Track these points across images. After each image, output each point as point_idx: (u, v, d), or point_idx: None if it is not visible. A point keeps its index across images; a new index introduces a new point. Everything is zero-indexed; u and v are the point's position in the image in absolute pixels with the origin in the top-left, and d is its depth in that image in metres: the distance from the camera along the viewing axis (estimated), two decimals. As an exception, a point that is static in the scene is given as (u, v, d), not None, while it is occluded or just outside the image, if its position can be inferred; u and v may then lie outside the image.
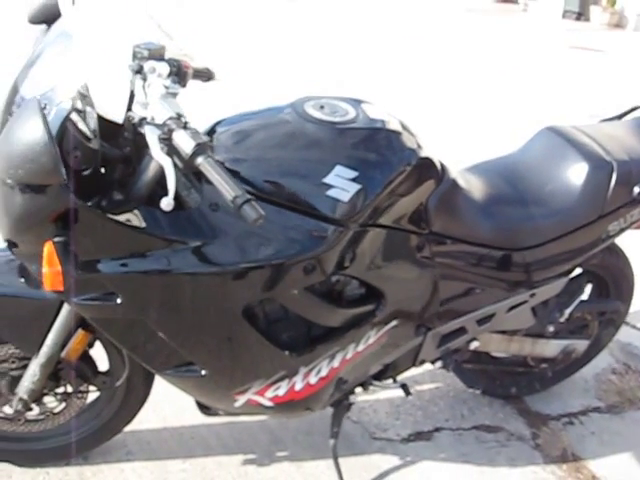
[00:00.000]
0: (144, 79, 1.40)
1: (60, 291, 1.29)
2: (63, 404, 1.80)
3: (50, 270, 1.25)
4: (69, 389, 1.76)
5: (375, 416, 2.20)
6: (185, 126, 1.26)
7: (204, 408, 1.83)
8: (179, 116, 1.28)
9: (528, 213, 1.79)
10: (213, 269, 1.41)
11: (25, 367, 1.70)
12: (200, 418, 2.06)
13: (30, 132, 1.10)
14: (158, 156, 1.24)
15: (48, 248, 1.27)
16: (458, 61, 6.96)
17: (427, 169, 1.62)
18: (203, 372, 1.56)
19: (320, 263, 1.50)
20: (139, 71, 1.41)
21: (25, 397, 1.70)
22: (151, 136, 1.26)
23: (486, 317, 1.90)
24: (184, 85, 1.51)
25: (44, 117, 1.12)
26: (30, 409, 1.74)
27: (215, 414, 1.85)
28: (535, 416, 2.26)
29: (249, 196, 1.23)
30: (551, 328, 2.02)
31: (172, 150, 1.27)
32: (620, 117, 2.09)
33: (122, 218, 1.36)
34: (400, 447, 2.10)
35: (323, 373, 1.70)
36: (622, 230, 1.89)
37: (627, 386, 2.39)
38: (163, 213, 1.36)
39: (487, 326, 1.92)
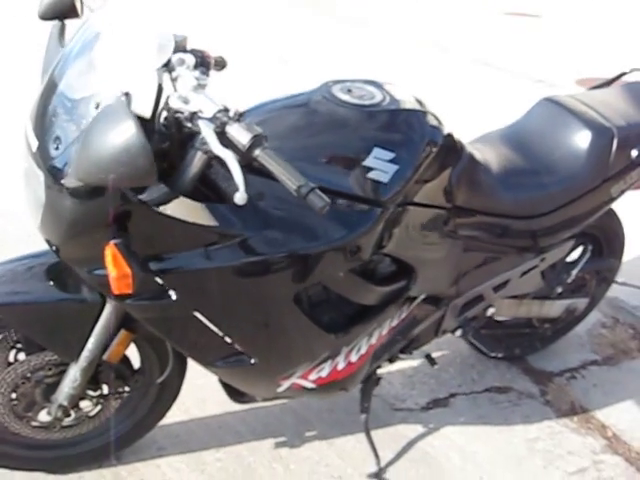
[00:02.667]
0: (171, 72, 1.39)
1: (126, 294, 1.28)
2: (98, 407, 1.78)
3: (118, 273, 1.23)
4: (105, 391, 1.75)
5: (392, 388, 2.26)
6: (238, 118, 1.26)
7: (237, 396, 1.85)
8: (226, 109, 1.28)
9: (540, 182, 1.87)
10: (267, 258, 1.43)
11: (61, 373, 1.67)
12: (223, 407, 2.10)
13: (125, 135, 1.07)
14: (219, 150, 1.23)
15: (111, 251, 1.26)
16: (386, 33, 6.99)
17: (451, 146, 1.67)
18: (253, 360, 1.58)
19: (364, 244, 1.53)
20: (166, 64, 1.40)
21: (65, 403, 1.67)
22: (207, 131, 1.25)
23: (501, 284, 1.98)
24: (208, 75, 1.50)
25: (136, 118, 1.10)
26: (69, 415, 1.72)
27: (250, 401, 1.86)
28: (539, 374, 2.38)
29: (313, 184, 1.25)
30: (559, 289, 2.13)
31: (226, 143, 1.27)
32: (609, 84, 2.19)
33: (171, 214, 1.35)
34: (421, 415, 2.18)
35: (363, 351, 1.75)
36: (622, 192, 2.00)
37: (619, 338, 2.54)
38: (210, 207, 1.36)
39: (502, 292, 2.01)
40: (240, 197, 1.19)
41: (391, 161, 1.53)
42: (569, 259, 2.12)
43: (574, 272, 2.11)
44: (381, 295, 1.68)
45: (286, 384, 1.69)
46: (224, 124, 1.24)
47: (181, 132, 1.34)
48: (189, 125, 1.29)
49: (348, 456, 2.01)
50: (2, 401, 1.67)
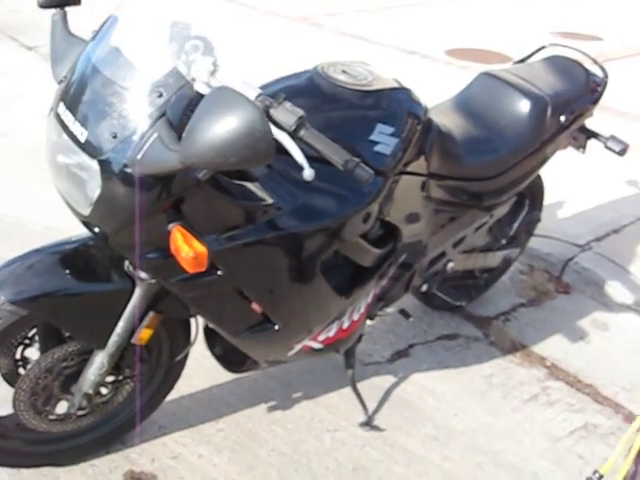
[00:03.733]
0: (186, 58, 1.45)
1: (197, 272, 1.34)
2: (112, 392, 1.80)
3: (195, 252, 1.29)
4: (125, 374, 1.78)
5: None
6: (282, 102, 1.35)
7: (236, 367, 1.94)
8: (261, 93, 1.37)
9: (492, 147, 2.10)
10: (300, 229, 1.54)
11: (82, 363, 1.69)
12: (209, 381, 2.19)
13: (248, 119, 1.11)
14: (275, 133, 1.32)
15: (180, 232, 1.32)
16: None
17: (429, 118, 1.86)
18: (277, 327, 1.69)
19: (373, 211, 1.69)
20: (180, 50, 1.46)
21: (90, 391, 1.69)
22: None
23: (459, 240, 2.22)
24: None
25: (256, 104, 1.15)
26: (92, 403, 1.73)
27: (248, 370, 1.96)
28: (480, 320, 2.66)
29: (357, 159, 1.39)
30: (504, 241, 2.40)
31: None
32: (529, 57, 2.48)
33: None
34: (389, 367, 2.38)
35: (362, 309, 1.91)
36: (554, 153, 2.29)
37: (537, 282, 2.88)
38: (251, 185, 1.46)
39: (460, 248, 2.24)
40: (308, 173, 1.30)
41: (392, 135, 1.69)
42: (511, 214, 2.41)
43: (515, 225, 2.40)
44: (376, 256, 1.84)
45: (298, 347, 1.82)
46: (268, 107, 1.33)
47: None
48: None
49: (337, 410, 2.17)
50: (24, 398, 1.66)
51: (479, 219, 2.21)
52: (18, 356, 1.70)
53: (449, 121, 2.09)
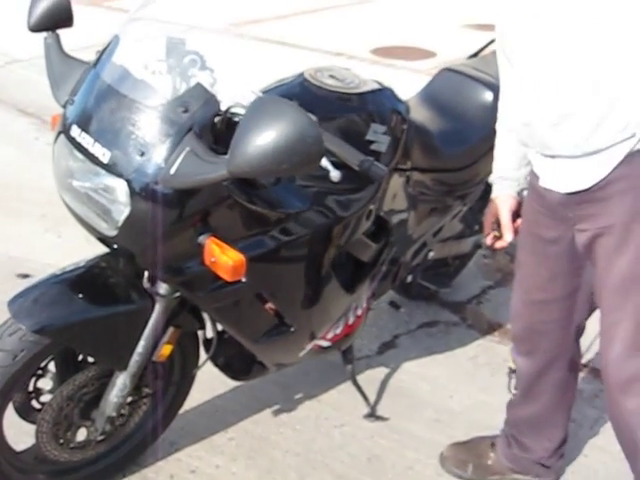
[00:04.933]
0: (183, 72, 1.49)
1: (235, 278, 1.36)
2: (130, 414, 1.79)
3: (235, 261, 1.32)
4: (144, 392, 1.77)
5: (345, 343, 2.51)
6: None
7: (242, 375, 1.97)
8: None
9: (463, 137, 2.20)
10: (316, 229, 1.59)
11: (100, 388, 1.67)
12: (209, 393, 2.20)
13: (301, 126, 1.13)
14: None
15: (215, 243, 1.34)
16: None
17: (409, 114, 1.94)
18: (292, 329, 1.73)
19: (374, 207, 1.76)
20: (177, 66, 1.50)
21: (114, 414, 1.68)
22: None
23: (438, 230, 2.32)
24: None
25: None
26: (115, 426, 1.72)
27: (253, 377, 1.99)
28: (455, 305, 2.77)
29: (370, 158, 1.45)
30: (477, 227, 2.52)
31: None
32: (481, 51, 2.60)
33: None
34: (379, 359, 2.46)
35: (364, 304, 1.97)
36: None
37: (501, 264, 3.02)
38: (268, 192, 1.49)
39: (438, 237, 2.34)
40: (335, 175, 1.35)
41: (384, 133, 1.76)
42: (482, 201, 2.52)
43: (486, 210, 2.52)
44: (374, 251, 1.91)
45: (309, 346, 1.86)
46: None
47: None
48: None
49: (340, 406, 2.22)
50: (46, 429, 1.63)
51: (455, 208, 2.31)
52: (31, 388, 1.67)
53: (420, 116, 2.18)
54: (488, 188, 2.57)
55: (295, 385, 2.29)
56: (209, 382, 2.12)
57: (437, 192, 2.16)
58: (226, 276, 1.35)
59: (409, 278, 2.34)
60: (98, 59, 1.45)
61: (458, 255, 2.67)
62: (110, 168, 1.34)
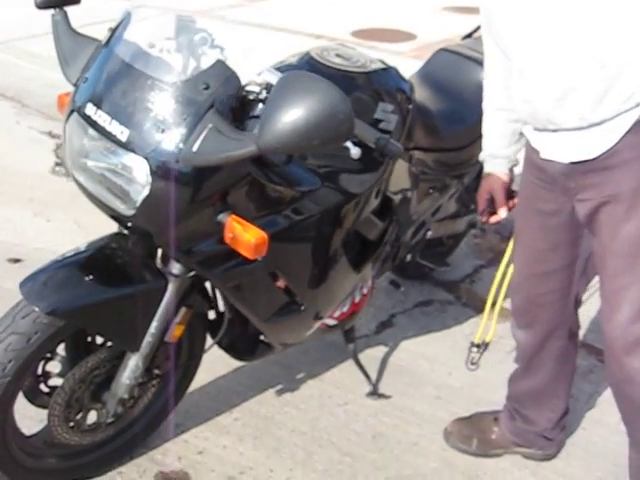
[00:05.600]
0: (193, 49, 1.48)
1: (257, 256, 1.36)
2: (139, 395, 1.78)
3: (256, 239, 1.32)
4: (155, 373, 1.77)
5: (343, 323, 2.52)
6: None
7: (248, 355, 1.97)
8: None
9: (462, 117, 2.22)
10: (328, 206, 1.60)
11: (111, 370, 1.66)
12: (212, 374, 2.19)
13: (333, 102, 1.13)
14: None
15: (236, 221, 1.34)
16: None
17: (413, 93, 1.95)
18: (302, 307, 1.73)
19: (383, 185, 1.77)
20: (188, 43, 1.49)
21: (126, 396, 1.68)
22: None
23: (437, 209, 2.33)
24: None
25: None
26: (127, 407, 1.71)
27: (258, 357, 1.99)
28: (449, 284, 2.80)
29: (386, 136, 1.46)
30: (472, 206, 2.54)
31: None
32: (474, 32, 2.61)
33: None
34: (378, 338, 2.48)
35: (369, 282, 1.99)
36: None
37: (492, 243, 3.05)
38: (284, 170, 1.49)
39: (436, 216, 2.36)
40: (355, 152, 1.36)
41: (392, 112, 1.77)
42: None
43: (481, 190, 2.55)
44: (380, 230, 1.92)
45: (317, 325, 1.87)
46: None
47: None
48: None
49: (342, 385, 2.24)
50: (59, 412, 1.61)
51: (453, 187, 2.33)
52: (39, 371, 1.66)
53: (420, 96, 2.19)
54: (481, 167, 2.61)
55: (296, 365, 2.31)
56: (211, 363, 2.11)
57: (437, 172, 2.17)
58: (248, 254, 1.34)
59: (408, 257, 2.36)
60: (111, 36, 1.43)
61: (453, 234, 2.69)
62: (129, 146, 1.32)
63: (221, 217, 1.36)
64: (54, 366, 1.68)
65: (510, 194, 1.85)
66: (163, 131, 1.29)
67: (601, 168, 1.44)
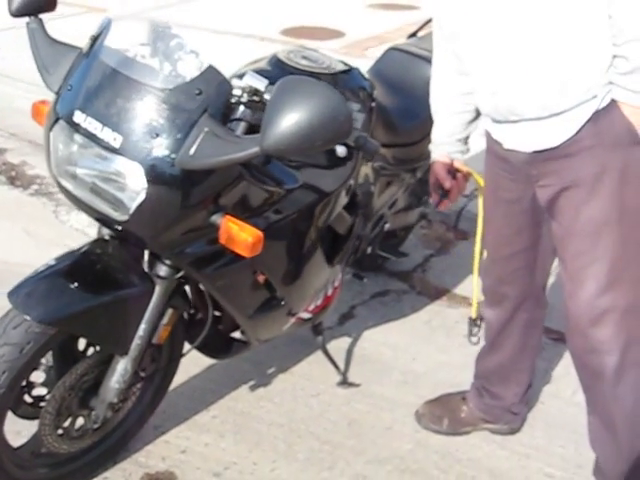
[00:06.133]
0: (169, 55, 1.52)
1: (254, 254, 1.40)
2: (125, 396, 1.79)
3: (253, 237, 1.36)
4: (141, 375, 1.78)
5: (306, 317, 2.59)
6: None
7: (220, 354, 2.01)
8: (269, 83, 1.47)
9: (415, 113, 2.31)
10: (308, 203, 1.66)
11: (98, 376, 1.67)
12: (184, 375, 2.21)
13: (333, 105, 1.18)
14: None
15: (231, 222, 1.38)
16: None
17: (374, 91, 2.03)
18: (282, 302, 1.79)
19: (353, 182, 1.84)
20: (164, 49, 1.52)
21: (114, 400, 1.69)
22: None
23: (393, 202, 2.43)
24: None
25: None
26: (117, 411, 1.72)
27: (233, 355, 2.03)
28: (401, 274, 2.91)
29: (365, 134, 1.53)
30: (424, 198, 2.65)
31: None
32: (419, 30, 2.72)
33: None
34: (340, 329, 2.56)
35: (340, 275, 2.06)
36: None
37: (438, 233, 3.18)
38: (268, 171, 1.55)
39: (393, 209, 2.46)
40: (341, 150, 1.42)
41: (359, 111, 1.84)
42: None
43: (433, 182, 2.67)
44: (349, 224, 2.00)
45: (292, 319, 1.93)
46: None
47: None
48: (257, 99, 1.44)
49: (312, 377, 2.31)
50: (49, 421, 1.61)
51: (407, 181, 2.43)
52: (23, 382, 1.64)
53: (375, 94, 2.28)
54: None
55: (266, 361, 2.35)
56: (183, 364, 2.12)
57: (393, 166, 2.27)
58: (245, 252, 1.39)
59: (369, 250, 2.45)
60: (93, 44, 1.44)
61: (405, 226, 2.80)
62: (122, 152, 1.34)
63: (215, 218, 1.40)
64: (37, 376, 1.68)
65: (453, 175, 1.96)
66: (157, 136, 1.32)
67: (562, 155, 1.56)
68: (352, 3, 6.67)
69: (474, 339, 2.13)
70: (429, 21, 2.71)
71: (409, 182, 2.46)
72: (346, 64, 1.95)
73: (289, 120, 1.18)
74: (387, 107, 2.21)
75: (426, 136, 2.35)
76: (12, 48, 5.27)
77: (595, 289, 1.60)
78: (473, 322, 2.14)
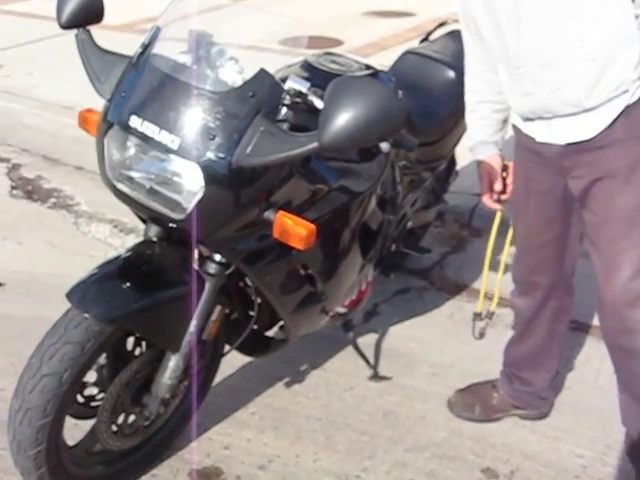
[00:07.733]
0: (213, 64, 1.59)
1: (307, 247, 1.47)
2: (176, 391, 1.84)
3: (307, 230, 1.43)
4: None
5: (332, 315, 2.65)
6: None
7: (258, 352, 2.08)
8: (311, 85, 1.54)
9: (435, 113, 2.40)
10: (349, 200, 1.74)
11: (150, 373, 1.72)
12: (217, 376, 2.25)
13: (386, 100, 1.27)
14: None
15: (285, 216, 1.45)
16: None
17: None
18: (323, 297, 1.85)
19: (384, 178, 1.92)
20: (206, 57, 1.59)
21: (167, 396, 1.74)
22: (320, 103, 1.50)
23: (415, 201, 2.50)
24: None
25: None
26: (167, 407, 1.78)
27: (272, 352, 2.09)
28: (421, 272, 2.98)
29: (402, 131, 1.60)
30: (443, 197, 2.72)
31: None
32: (431, 34, 2.80)
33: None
34: (367, 326, 2.62)
35: (372, 270, 2.13)
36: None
37: (453, 231, 3.26)
38: (313, 168, 1.62)
39: (415, 207, 2.53)
40: (385, 147, 1.49)
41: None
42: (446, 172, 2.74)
43: (451, 179, 2.74)
44: (381, 220, 2.07)
45: (330, 314, 1.99)
46: (321, 97, 1.51)
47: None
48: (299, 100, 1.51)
49: (344, 372, 2.37)
50: (106, 418, 1.66)
51: (428, 179, 2.51)
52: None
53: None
54: (452, 159, 2.81)
55: (297, 359, 2.41)
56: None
57: (415, 165, 2.34)
58: (300, 245, 1.45)
59: (393, 247, 2.51)
60: (143, 51, 1.51)
61: (424, 224, 2.87)
62: (180, 153, 1.40)
63: (268, 214, 1.47)
64: (89, 376, 1.73)
65: (504, 169, 2.00)
66: (214, 137, 1.39)
67: (596, 147, 1.63)
68: (348, 11, 6.77)
69: (478, 336, 2.23)
70: (440, 25, 2.82)
71: (429, 181, 2.53)
72: (372, 67, 2.02)
73: (346, 115, 1.25)
74: (408, 108, 2.28)
75: (444, 136, 2.45)
76: (17, 66, 5.36)
77: (631, 273, 1.67)
78: (477, 316, 2.25)
